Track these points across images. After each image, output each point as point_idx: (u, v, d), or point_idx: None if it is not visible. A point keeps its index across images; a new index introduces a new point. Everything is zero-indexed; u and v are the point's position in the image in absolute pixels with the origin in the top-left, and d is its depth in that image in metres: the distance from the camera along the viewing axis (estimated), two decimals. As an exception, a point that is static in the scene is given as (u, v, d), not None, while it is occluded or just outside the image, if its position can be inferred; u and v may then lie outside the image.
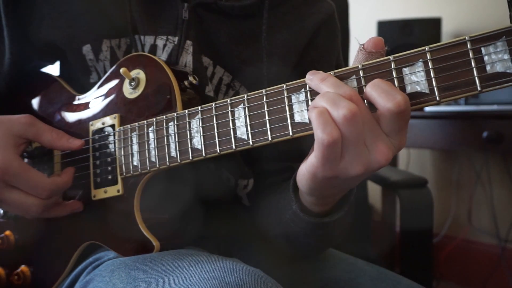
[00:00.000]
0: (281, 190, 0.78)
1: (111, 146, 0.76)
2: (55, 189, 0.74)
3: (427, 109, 1.78)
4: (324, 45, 0.90)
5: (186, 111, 0.69)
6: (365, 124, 0.53)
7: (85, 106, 0.82)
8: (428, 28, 2.11)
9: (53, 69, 0.92)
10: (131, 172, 0.74)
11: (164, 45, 0.80)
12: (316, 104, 0.55)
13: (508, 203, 2.18)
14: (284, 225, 0.75)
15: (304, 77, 0.59)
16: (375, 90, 0.53)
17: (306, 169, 0.58)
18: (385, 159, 0.54)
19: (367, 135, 0.54)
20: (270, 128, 0.61)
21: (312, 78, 0.57)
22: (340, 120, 0.52)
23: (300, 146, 0.85)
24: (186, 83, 0.74)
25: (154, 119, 0.72)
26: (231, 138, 0.64)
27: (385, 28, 2.15)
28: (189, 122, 0.68)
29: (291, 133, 0.60)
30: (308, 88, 0.59)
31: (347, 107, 0.52)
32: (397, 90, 0.53)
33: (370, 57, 0.56)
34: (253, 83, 0.84)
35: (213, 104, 0.66)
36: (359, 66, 0.56)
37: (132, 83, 0.75)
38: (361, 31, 2.08)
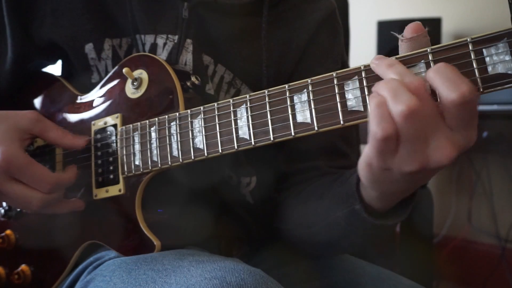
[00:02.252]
0: (328, 186, 0.75)
1: (113, 145, 0.76)
2: (58, 184, 0.74)
3: (428, 109, 1.78)
4: (326, 42, 0.90)
5: (189, 111, 0.69)
6: (427, 119, 0.49)
7: (87, 105, 0.82)
8: (428, 28, 2.11)
9: (55, 69, 0.92)
10: (133, 172, 0.74)
11: (164, 44, 0.80)
12: (379, 90, 0.51)
13: (508, 203, 2.18)
14: (329, 225, 0.72)
15: (308, 74, 0.59)
16: (439, 77, 0.49)
17: (362, 159, 0.55)
18: (447, 157, 0.49)
19: (428, 130, 0.50)
20: (272, 128, 0.61)
21: (379, 63, 0.54)
22: (398, 115, 0.49)
23: (316, 144, 0.85)
24: (188, 83, 0.74)
25: (156, 119, 0.72)
26: (233, 138, 0.64)
27: (385, 28, 2.15)
28: (191, 122, 0.68)
29: (293, 133, 0.60)
30: (310, 89, 0.59)
31: (407, 103, 0.48)
32: (463, 78, 0.49)
33: (414, 44, 0.54)
34: (254, 81, 0.84)
35: (215, 104, 0.66)
36: (362, 67, 0.56)
37: (134, 83, 0.75)
38: (361, 31, 2.09)
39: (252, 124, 0.63)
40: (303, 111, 0.59)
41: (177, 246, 0.74)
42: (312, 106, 0.58)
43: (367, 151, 0.53)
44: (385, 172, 0.54)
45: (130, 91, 0.76)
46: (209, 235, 0.86)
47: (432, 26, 2.11)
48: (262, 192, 0.88)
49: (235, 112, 0.64)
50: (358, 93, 0.57)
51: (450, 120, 0.50)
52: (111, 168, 0.76)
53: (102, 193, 0.77)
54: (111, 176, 0.76)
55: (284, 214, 0.84)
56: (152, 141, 0.72)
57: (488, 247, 2.24)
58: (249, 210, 0.88)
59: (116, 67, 0.79)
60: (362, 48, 2.09)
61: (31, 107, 0.88)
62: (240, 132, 0.64)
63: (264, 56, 0.83)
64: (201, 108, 0.68)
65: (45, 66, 0.92)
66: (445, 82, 0.49)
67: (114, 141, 0.76)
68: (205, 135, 0.67)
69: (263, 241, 0.91)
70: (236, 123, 0.64)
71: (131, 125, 0.74)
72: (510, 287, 2.12)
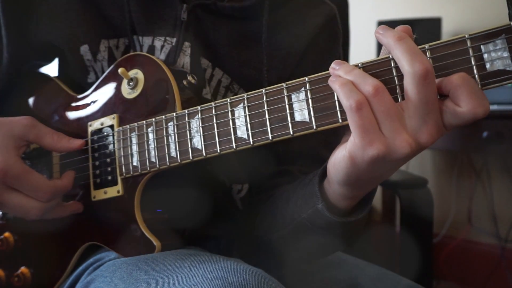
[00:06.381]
0: (293, 190, 0.76)
1: (110, 146, 0.76)
2: (56, 192, 0.73)
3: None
4: (325, 47, 0.89)
5: (186, 110, 0.68)
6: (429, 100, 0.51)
7: (84, 106, 0.81)
8: (428, 28, 2.11)
9: (51, 69, 0.91)
10: (131, 173, 0.73)
11: (162, 46, 0.80)
12: (343, 74, 0.54)
13: (508, 203, 2.17)
14: (295, 228, 0.72)
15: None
16: (466, 88, 0.50)
17: (347, 150, 0.55)
18: (432, 140, 0.52)
19: (424, 110, 0.51)
20: (270, 128, 0.61)
21: (385, 34, 0.54)
22: (368, 93, 0.52)
23: (297, 148, 0.85)
24: (185, 82, 0.74)
25: (154, 119, 0.71)
26: (231, 137, 0.64)
27: (385, 28, 2.14)
28: (189, 122, 0.68)
29: (291, 132, 0.59)
30: (308, 87, 0.59)
31: (373, 83, 0.52)
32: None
33: None
34: (252, 85, 0.83)
35: (213, 103, 0.66)
36: (359, 65, 0.56)
37: (130, 83, 0.75)
38: (361, 31, 2.08)
39: (250, 123, 0.62)
40: (301, 110, 0.59)
41: (177, 246, 0.74)
42: (310, 105, 0.58)
43: (352, 140, 0.54)
44: (372, 162, 0.54)
45: (126, 91, 0.76)
46: (209, 235, 0.86)
47: (432, 26, 2.11)
48: (252, 200, 0.87)
49: (232, 112, 0.64)
50: None
51: (451, 119, 0.52)
52: (109, 169, 0.76)
53: (100, 195, 0.77)
54: (109, 178, 0.76)
55: (256, 220, 0.84)
56: (149, 142, 0.72)
57: (488, 247, 2.24)
58: (239, 215, 0.88)
59: (112, 67, 0.79)
60: (362, 48, 2.09)
61: (27, 108, 0.87)
62: (238, 132, 0.64)
63: (265, 61, 0.83)
64: (199, 107, 0.67)
65: (41, 66, 0.92)
66: (471, 95, 0.50)
67: (112, 142, 0.76)
68: (203, 135, 0.66)
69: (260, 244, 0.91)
70: (234, 123, 0.64)
71: (128, 126, 0.74)
72: (510, 287, 2.12)
